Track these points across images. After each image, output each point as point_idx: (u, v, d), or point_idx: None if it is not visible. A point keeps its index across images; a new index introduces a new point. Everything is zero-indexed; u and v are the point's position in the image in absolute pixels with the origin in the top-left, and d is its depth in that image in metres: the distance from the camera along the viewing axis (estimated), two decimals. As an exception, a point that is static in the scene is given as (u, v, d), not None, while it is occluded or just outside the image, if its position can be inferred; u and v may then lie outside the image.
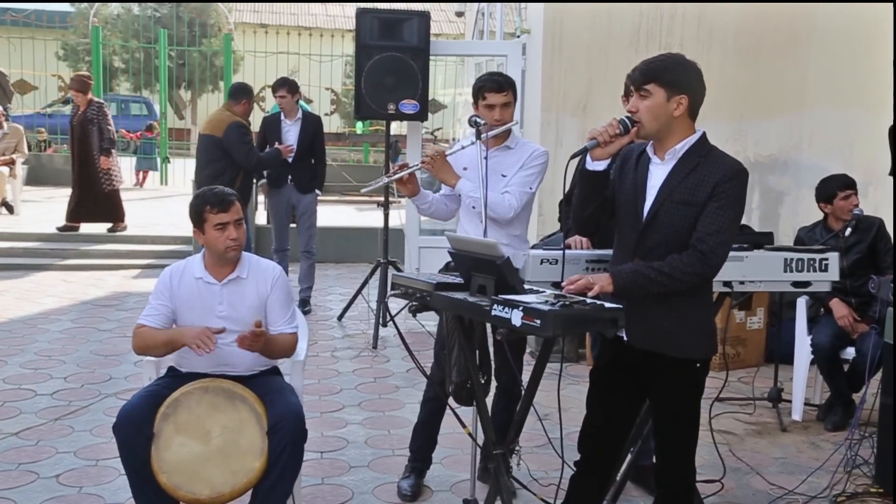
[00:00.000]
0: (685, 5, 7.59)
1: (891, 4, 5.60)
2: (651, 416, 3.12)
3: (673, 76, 2.79)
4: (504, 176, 3.91)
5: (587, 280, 2.74)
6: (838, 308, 5.07)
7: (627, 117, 2.82)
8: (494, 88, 3.89)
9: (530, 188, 3.92)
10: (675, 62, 2.83)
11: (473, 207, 3.87)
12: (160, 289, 3.49)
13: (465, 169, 3.96)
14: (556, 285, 3.12)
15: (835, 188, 5.16)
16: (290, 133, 7.59)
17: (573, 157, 2.84)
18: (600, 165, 2.87)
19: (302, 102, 8.44)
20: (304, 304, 7.63)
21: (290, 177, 7.61)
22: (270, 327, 3.53)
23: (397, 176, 3.86)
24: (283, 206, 7.72)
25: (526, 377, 3.15)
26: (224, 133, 7.20)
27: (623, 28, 7.69)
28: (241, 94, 7.48)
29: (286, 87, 7.58)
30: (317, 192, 7.75)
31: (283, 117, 7.64)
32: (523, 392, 4.05)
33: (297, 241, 7.78)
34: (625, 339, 2.87)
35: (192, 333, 3.31)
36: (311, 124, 7.72)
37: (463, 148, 3.99)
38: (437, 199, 4.07)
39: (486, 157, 3.85)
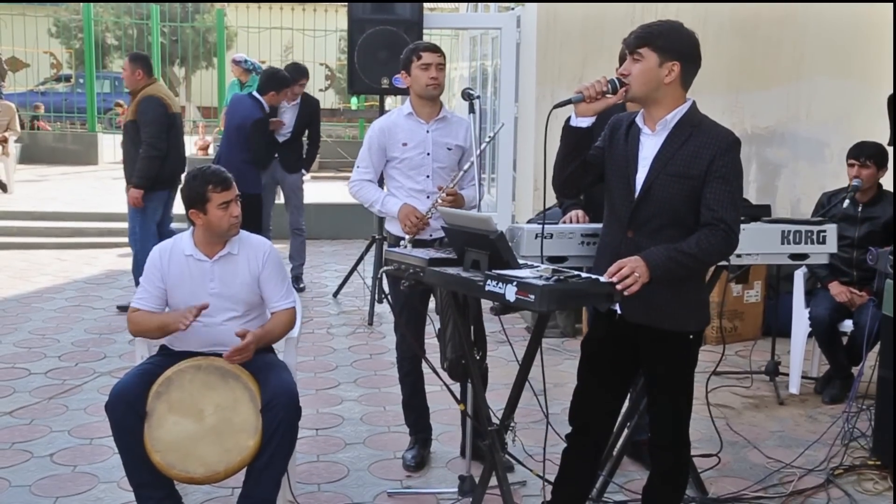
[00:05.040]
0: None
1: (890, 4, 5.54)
2: (645, 390, 3.10)
3: (667, 42, 2.76)
4: (450, 149, 3.97)
5: (633, 277, 2.65)
6: (836, 289, 5.01)
7: (618, 78, 2.80)
8: (431, 48, 3.94)
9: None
10: (672, 28, 2.80)
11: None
12: (150, 269, 3.45)
13: (404, 144, 3.96)
14: (553, 259, 3.09)
15: (848, 155, 5.05)
16: (286, 117, 7.55)
17: (555, 106, 2.83)
18: (584, 122, 2.85)
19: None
20: (297, 281, 7.57)
21: (276, 155, 7.53)
22: (267, 304, 3.51)
23: (419, 231, 3.88)
24: (269, 184, 7.62)
25: (520, 353, 3.13)
26: None
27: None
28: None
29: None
30: (303, 172, 7.71)
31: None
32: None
33: (287, 219, 7.74)
34: (618, 312, 2.85)
35: (175, 316, 3.32)
36: (309, 108, 7.67)
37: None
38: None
39: (428, 132, 3.94)
